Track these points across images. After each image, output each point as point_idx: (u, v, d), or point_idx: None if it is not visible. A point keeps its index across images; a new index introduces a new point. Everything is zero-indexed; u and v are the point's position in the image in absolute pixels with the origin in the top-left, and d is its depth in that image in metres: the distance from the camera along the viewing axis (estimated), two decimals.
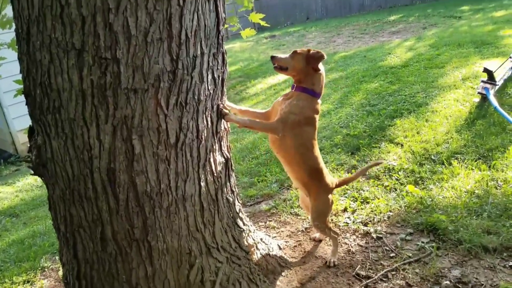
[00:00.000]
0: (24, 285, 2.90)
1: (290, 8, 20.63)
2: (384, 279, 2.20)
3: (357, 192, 3.10)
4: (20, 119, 6.25)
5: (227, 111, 1.99)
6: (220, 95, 1.95)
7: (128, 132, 1.61)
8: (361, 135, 4.11)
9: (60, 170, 1.71)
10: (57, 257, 3.19)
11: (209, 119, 1.87)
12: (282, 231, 2.77)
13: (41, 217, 4.14)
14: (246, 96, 7.24)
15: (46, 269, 3.07)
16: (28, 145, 1.82)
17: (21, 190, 5.04)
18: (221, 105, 1.97)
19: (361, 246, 2.48)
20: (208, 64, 1.79)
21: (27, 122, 1.80)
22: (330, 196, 2.31)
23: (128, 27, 1.45)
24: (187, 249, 1.86)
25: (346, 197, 3.06)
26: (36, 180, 5.20)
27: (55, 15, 1.43)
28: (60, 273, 2.98)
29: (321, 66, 2.16)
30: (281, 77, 8.08)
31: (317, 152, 2.22)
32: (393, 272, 2.23)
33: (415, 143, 3.68)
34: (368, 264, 2.32)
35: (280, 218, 2.95)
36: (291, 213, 2.99)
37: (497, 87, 4.31)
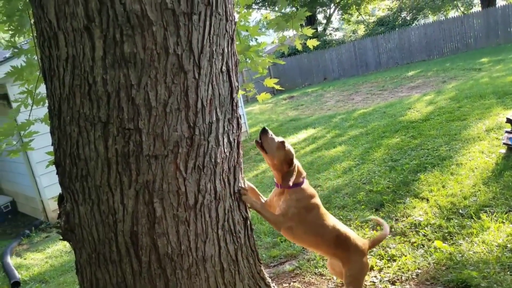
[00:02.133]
0: None
1: (307, 69, 21.46)
2: None
3: (383, 249, 3.01)
4: (50, 187, 6.56)
5: (246, 192, 2.06)
6: (236, 157, 2.04)
7: (149, 196, 1.70)
8: (385, 191, 4.06)
9: (86, 235, 1.79)
10: None
11: (226, 180, 1.94)
12: None
13: (70, 282, 4.19)
14: None
15: None
16: (58, 212, 1.94)
17: (50, 257, 5.15)
18: (242, 189, 2.04)
19: None
20: (224, 128, 1.91)
21: (57, 190, 1.93)
22: (364, 258, 2.25)
23: (149, 100, 1.60)
24: None
25: (372, 255, 2.98)
26: (65, 246, 5.32)
27: (83, 92, 1.60)
28: None
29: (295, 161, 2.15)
30: (301, 135, 8.24)
31: (332, 222, 2.20)
32: None
33: (441, 197, 3.60)
34: None
35: (304, 278, 2.88)
36: (315, 273, 2.92)
37: None
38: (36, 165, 6.47)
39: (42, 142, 3.32)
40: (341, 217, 3.74)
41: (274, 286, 2.29)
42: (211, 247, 1.86)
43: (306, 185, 2.18)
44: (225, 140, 1.93)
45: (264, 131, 2.15)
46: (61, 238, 1.92)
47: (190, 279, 1.80)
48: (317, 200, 2.19)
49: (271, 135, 2.15)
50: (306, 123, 9.43)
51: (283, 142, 2.12)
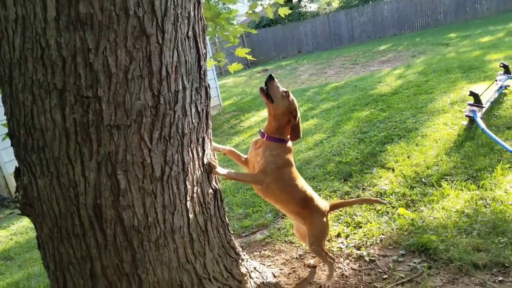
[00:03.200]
0: None
1: (281, 42, 21.27)
2: None
3: (350, 217, 3.10)
4: (12, 162, 6.30)
5: (215, 164, 2.03)
6: (205, 128, 2.00)
7: (113, 168, 1.64)
8: (353, 162, 4.15)
9: (47, 209, 1.72)
10: None
11: (194, 152, 1.91)
12: (277, 260, 2.76)
13: (36, 259, 4.11)
14: (241, 129, 7.35)
15: None
16: (15, 185, 1.86)
17: (15, 233, 5.03)
18: (211, 160, 2.02)
19: (354, 269, 2.47)
20: (191, 98, 1.86)
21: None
22: (325, 219, 2.33)
23: (108, 65, 1.52)
24: (178, 281, 1.85)
25: (339, 222, 3.07)
26: (30, 223, 5.20)
27: (36, 57, 1.49)
28: None
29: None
30: None
31: (301, 183, 2.27)
32: None
33: (406, 167, 3.72)
34: (362, 286, 2.30)
35: (274, 247, 2.94)
36: (285, 241, 2.99)
37: (484, 109, 4.40)
38: None
39: None
40: (311, 187, 3.80)
41: (244, 255, 2.33)
42: (179, 219, 1.85)
43: (290, 143, 2.21)
44: (193, 110, 1.89)
45: (270, 78, 2.11)
46: (20, 213, 1.84)
47: (158, 251, 1.79)
48: (292, 158, 2.23)
49: (277, 83, 2.12)
50: None
51: (287, 92, 2.12)
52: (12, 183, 6.55)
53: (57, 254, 1.79)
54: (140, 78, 1.62)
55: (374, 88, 7.53)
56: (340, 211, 3.21)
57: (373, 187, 3.53)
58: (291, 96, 2.13)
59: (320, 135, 5.46)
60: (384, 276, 2.36)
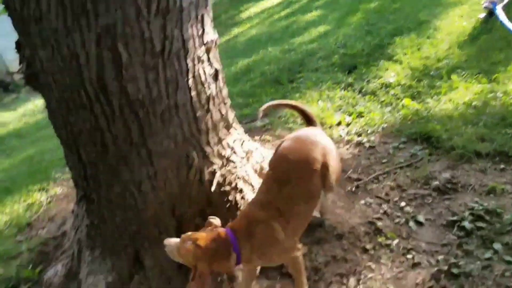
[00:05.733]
0: (40, 192, 3.12)
1: None
2: (375, 181, 2.26)
3: (352, 107, 3.06)
4: (12, 49, 5.99)
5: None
6: (205, 5, 1.86)
7: (112, 41, 1.59)
8: (359, 54, 3.98)
9: (52, 80, 1.71)
10: (67, 169, 3.31)
11: (194, 29, 1.81)
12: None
13: (47, 137, 4.26)
14: (239, 21, 6.94)
15: (57, 179, 3.26)
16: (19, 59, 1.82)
17: (24, 115, 5.20)
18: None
19: (353, 154, 2.52)
20: None
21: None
22: None
23: None
24: (184, 154, 1.90)
25: (341, 112, 3.03)
26: (37, 106, 5.26)
27: None
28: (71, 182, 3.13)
29: None
30: (275, 0, 7.68)
31: None
32: (384, 175, 2.29)
33: (414, 59, 3.57)
34: (360, 169, 2.37)
35: (275, 132, 2.97)
36: (285, 128, 2.99)
37: (505, 0, 4.07)
38: None
39: None
40: (313, 78, 3.70)
41: (245, 135, 2.32)
42: (182, 96, 1.83)
43: None
44: None
45: None
46: (25, 83, 1.82)
47: (163, 124, 1.81)
48: None
49: None
50: None
51: None
52: (14, 69, 6.43)
53: (67, 124, 1.82)
54: None
55: None
56: (343, 100, 3.15)
57: (378, 79, 3.43)
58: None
59: (325, 26, 5.17)
60: (383, 161, 2.41)
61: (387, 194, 2.14)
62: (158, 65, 1.71)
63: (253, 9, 7.45)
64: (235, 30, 6.35)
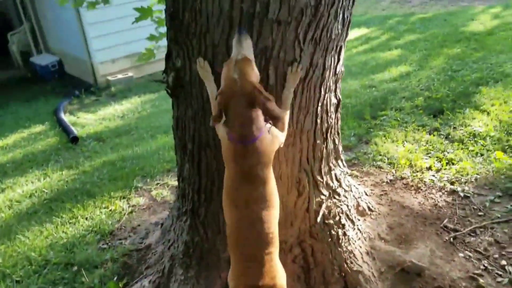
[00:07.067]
0: (122, 201, 3.23)
1: None
2: (472, 234, 2.27)
3: (441, 153, 3.10)
4: (101, 52, 6.45)
5: None
6: (344, 36, 1.98)
7: (265, 63, 1.70)
8: (444, 99, 4.00)
9: (196, 93, 1.84)
10: (148, 180, 3.51)
11: (333, 59, 1.91)
12: (366, 181, 2.86)
13: (125, 144, 4.46)
14: None
15: (139, 189, 3.39)
16: (164, 67, 1.96)
17: (104, 119, 5.39)
18: None
19: (448, 202, 2.54)
20: (342, 3, 1.81)
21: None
22: None
23: None
24: (297, 179, 1.99)
25: (429, 156, 3.07)
26: (117, 110, 5.55)
27: None
28: (154, 193, 3.29)
29: None
30: (353, 33, 7.80)
31: None
32: (481, 229, 2.29)
33: (502, 112, 3.55)
34: (456, 219, 2.38)
35: (362, 168, 3.03)
36: (373, 165, 3.07)
37: None
38: (89, 27, 6.25)
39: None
40: (397, 118, 3.77)
41: (347, 168, 2.43)
42: (309, 122, 1.93)
43: None
44: (341, 15, 1.85)
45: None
46: (168, 93, 1.97)
47: (286, 147, 1.89)
48: None
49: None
50: (359, 21, 8.89)
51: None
52: (99, 72, 6.83)
53: (196, 136, 1.94)
54: None
55: (466, 25, 6.91)
56: (429, 144, 3.19)
57: (465, 126, 3.43)
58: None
59: (406, 67, 5.23)
60: (479, 213, 2.41)
61: (486, 250, 2.15)
62: (297, 91, 1.80)
63: None
64: None
